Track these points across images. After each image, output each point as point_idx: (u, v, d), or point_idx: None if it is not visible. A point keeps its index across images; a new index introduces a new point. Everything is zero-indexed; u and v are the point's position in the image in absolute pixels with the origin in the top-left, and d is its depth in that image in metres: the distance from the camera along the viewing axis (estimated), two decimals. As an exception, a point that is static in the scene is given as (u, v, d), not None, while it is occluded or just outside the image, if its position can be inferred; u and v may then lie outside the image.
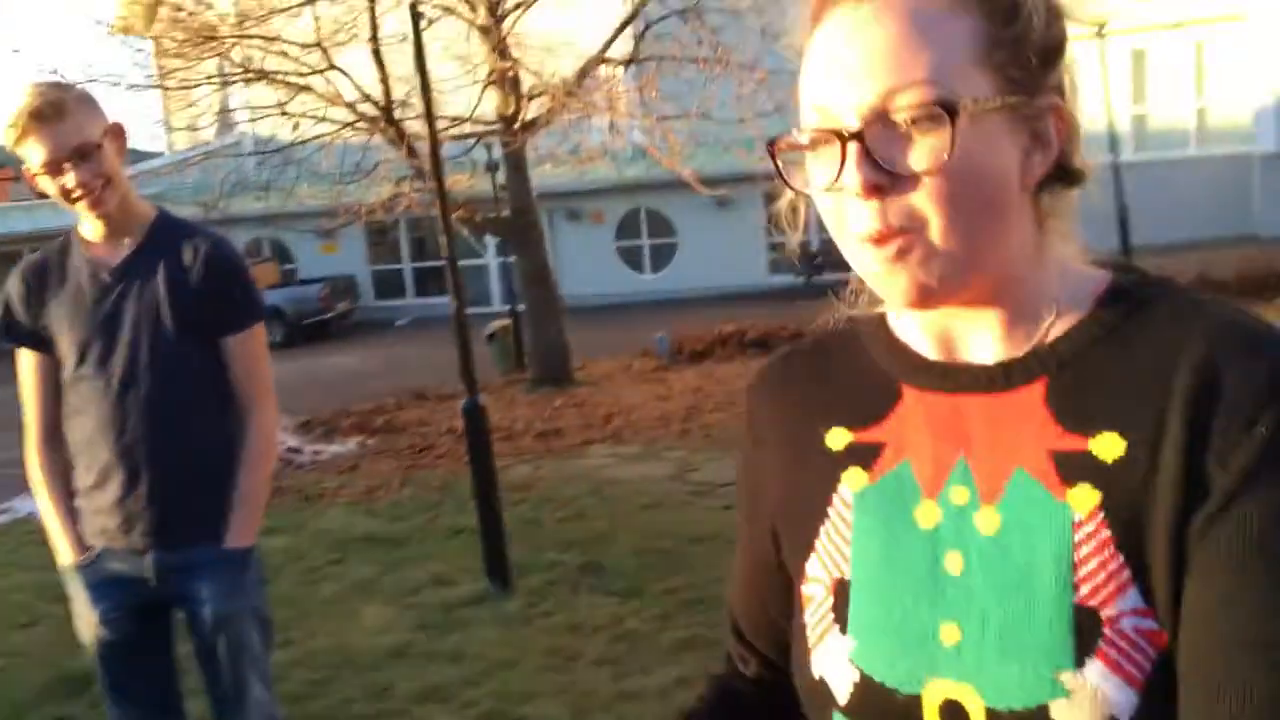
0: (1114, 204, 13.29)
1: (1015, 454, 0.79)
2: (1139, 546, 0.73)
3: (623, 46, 12.20)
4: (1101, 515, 0.75)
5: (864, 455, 0.86)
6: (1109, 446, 0.76)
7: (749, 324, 14.21)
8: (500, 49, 11.17)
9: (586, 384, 12.45)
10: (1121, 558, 0.74)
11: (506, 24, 11.33)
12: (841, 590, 0.85)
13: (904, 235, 0.75)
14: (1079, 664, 0.73)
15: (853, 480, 0.86)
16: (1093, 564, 0.74)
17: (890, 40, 0.74)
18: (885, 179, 0.74)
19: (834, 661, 0.84)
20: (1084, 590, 0.74)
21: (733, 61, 11.31)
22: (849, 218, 0.77)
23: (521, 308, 13.48)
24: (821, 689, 0.84)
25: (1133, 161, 15.03)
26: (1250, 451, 0.70)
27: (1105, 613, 0.73)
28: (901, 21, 0.75)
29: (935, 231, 0.75)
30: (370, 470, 8.84)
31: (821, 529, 0.88)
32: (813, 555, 0.88)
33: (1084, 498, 0.76)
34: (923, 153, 0.74)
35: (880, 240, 0.76)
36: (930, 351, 0.86)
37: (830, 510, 0.87)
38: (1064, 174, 0.81)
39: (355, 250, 24.33)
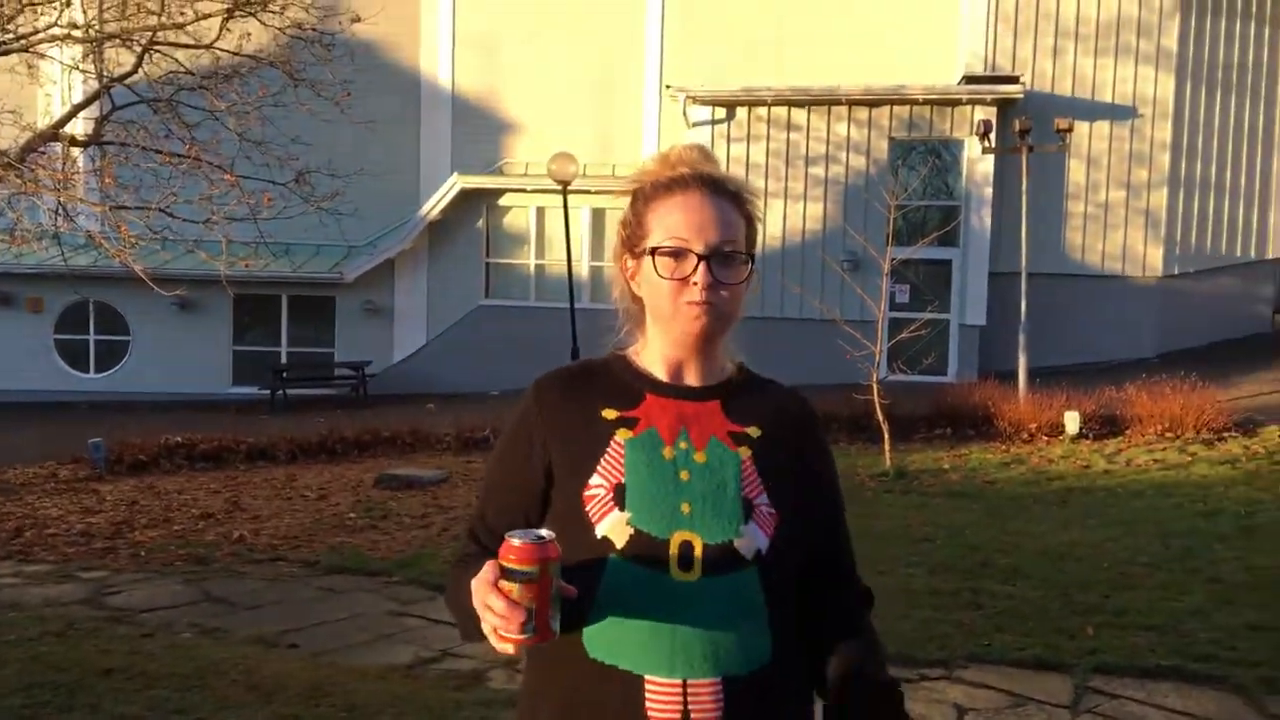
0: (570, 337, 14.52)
1: (710, 429, 1.62)
2: (769, 473, 1.61)
3: (82, 125, 11.24)
4: (752, 459, 1.61)
5: (628, 423, 1.61)
6: (755, 431, 1.64)
7: (201, 436, 13.29)
8: (-75, 104, 9.79)
9: (-3, 491, 10.89)
10: (760, 479, 1.60)
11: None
12: (619, 489, 1.55)
13: (715, 306, 1.58)
14: (745, 522, 1.55)
15: (622, 434, 1.60)
16: (749, 479, 1.59)
17: (725, 216, 1.61)
18: (714, 281, 1.58)
19: (615, 525, 1.53)
20: (745, 490, 1.58)
21: (204, 160, 10.84)
22: (683, 294, 1.58)
23: (-78, 400, 11.60)
24: (604, 543, 1.52)
25: (588, 308, 16.49)
26: (815, 440, 1.72)
27: (754, 501, 1.58)
28: (729, 208, 1.62)
29: (730, 308, 1.61)
30: None
31: (602, 458, 1.58)
32: (595, 474, 1.56)
33: (745, 451, 1.62)
34: (735, 273, 1.59)
35: (704, 305, 1.58)
36: (663, 376, 1.66)
37: (609, 449, 1.59)
38: None
39: None
